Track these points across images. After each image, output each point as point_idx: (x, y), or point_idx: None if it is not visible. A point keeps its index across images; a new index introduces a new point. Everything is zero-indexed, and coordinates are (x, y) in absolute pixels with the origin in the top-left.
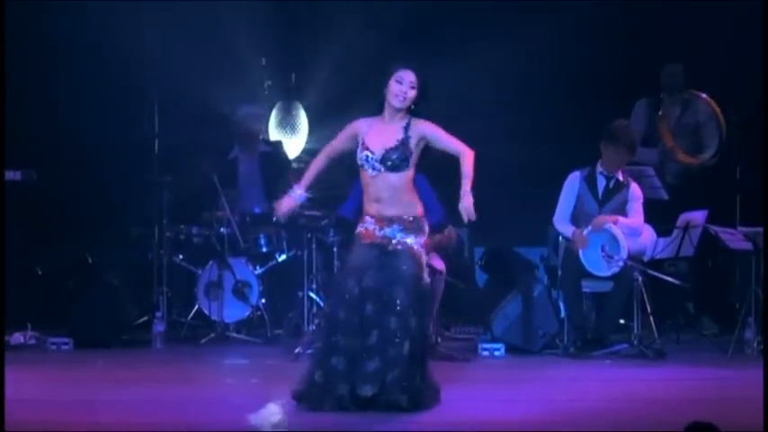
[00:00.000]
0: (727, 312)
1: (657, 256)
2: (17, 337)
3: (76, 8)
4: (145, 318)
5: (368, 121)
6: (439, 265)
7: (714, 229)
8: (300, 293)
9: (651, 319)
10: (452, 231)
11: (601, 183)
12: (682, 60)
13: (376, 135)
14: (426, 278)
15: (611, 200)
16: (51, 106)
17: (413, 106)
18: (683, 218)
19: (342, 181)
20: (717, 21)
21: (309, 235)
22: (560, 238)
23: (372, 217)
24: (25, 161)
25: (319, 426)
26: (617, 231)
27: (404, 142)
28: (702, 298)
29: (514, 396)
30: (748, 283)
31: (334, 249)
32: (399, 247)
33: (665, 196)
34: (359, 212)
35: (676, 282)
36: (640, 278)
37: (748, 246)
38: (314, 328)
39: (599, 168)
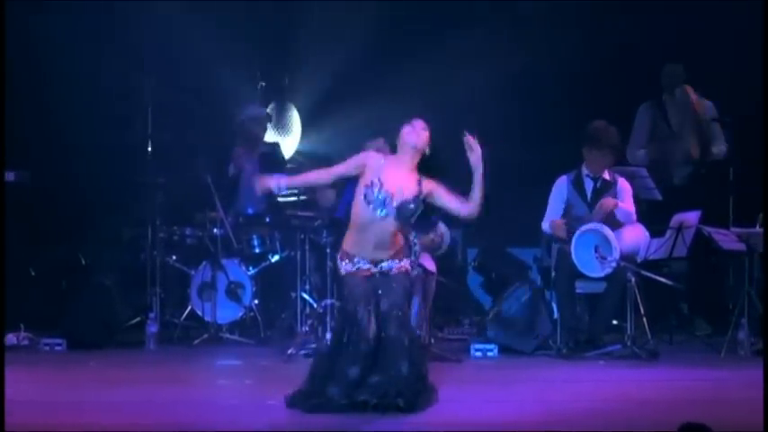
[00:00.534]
0: (721, 313)
1: (651, 257)
2: (10, 338)
3: (69, 9)
4: (138, 319)
5: (380, 157)
6: (430, 265)
7: (707, 229)
8: (293, 294)
9: (644, 319)
10: (443, 231)
11: (588, 185)
12: (680, 60)
13: (392, 177)
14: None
15: (600, 200)
16: (44, 107)
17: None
18: (677, 218)
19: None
20: (718, 20)
21: (302, 236)
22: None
23: (363, 258)
24: (19, 162)
25: (313, 426)
26: (609, 232)
27: (418, 198)
28: (695, 299)
29: (507, 397)
30: (741, 283)
31: (327, 250)
32: (397, 272)
33: (659, 197)
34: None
35: (669, 282)
36: (633, 279)
37: (741, 246)
38: (306, 329)
39: (585, 171)
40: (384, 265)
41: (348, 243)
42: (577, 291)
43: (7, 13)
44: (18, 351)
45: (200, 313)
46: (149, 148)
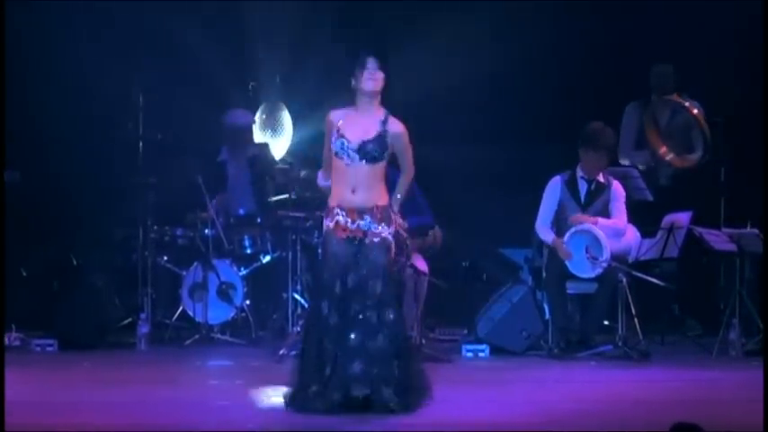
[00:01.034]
0: (712, 314)
1: (642, 258)
2: None
3: (61, 8)
4: (129, 319)
5: (341, 111)
6: (422, 266)
7: (698, 230)
8: (285, 295)
9: (635, 320)
10: (439, 233)
11: (582, 187)
12: (671, 59)
13: (352, 124)
14: (394, 267)
15: (594, 203)
16: (35, 107)
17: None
18: (668, 219)
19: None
20: (707, 20)
21: (294, 236)
22: None
23: (343, 209)
24: (9, 162)
25: (306, 426)
26: (599, 232)
27: (381, 135)
28: (687, 299)
29: (499, 397)
30: (733, 284)
31: (319, 250)
32: (375, 239)
33: (650, 197)
34: None
35: (661, 283)
36: (625, 279)
37: (732, 247)
38: (299, 329)
39: (579, 173)
40: (362, 223)
41: (330, 198)
42: (569, 291)
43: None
44: (9, 351)
45: (191, 314)
46: (140, 149)
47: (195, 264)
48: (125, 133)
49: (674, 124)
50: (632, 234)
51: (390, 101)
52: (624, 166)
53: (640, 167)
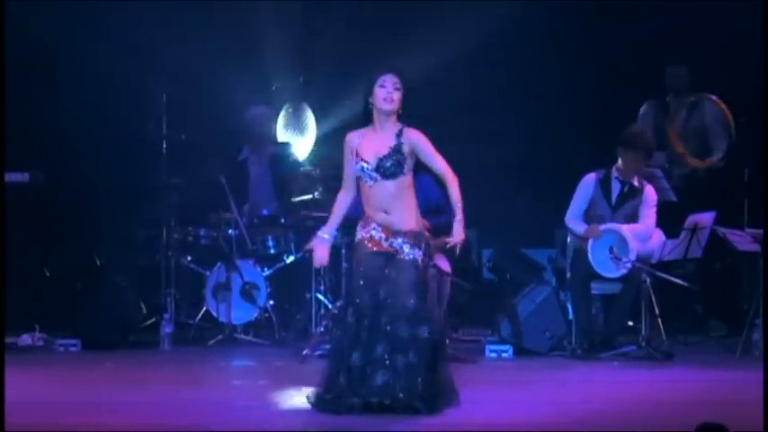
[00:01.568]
0: (735, 314)
1: (665, 258)
2: (25, 339)
3: (85, 9)
4: (152, 319)
5: (358, 133)
6: (445, 266)
7: (722, 230)
8: (308, 295)
9: (659, 320)
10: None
11: (615, 188)
12: (687, 61)
13: (368, 145)
14: (430, 284)
15: (625, 205)
16: (59, 108)
17: (400, 111)
18: (691, 220)
19: None
20: (722, 21)
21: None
22: (568, 240)
23: (380, 225)
24: (33, 163)
25: (330, 426)
26: (626, 233)
27: (396, 149)
28: (710, 300)
29: (522, 398)
30: (756, 284)
31: (342, 251)
32: (407, 258)
33: (674, 198)
34: None
35: (684, 283)
36: (648, 280)
37: (756, 247)
38: (322, 329)
39: (614, 173)
40: (396, 242)
41: (366, 211)
42: (593, 291)
43: (24, 13)
44: (33, 352)
45: (214, 314)
46: (164, 149)
47: (219, 264)
48: (148, 133)
49: (690, 126)
50: (656, 235)
51: (411, 101)
52: (648, 166)
53: (657, 166)
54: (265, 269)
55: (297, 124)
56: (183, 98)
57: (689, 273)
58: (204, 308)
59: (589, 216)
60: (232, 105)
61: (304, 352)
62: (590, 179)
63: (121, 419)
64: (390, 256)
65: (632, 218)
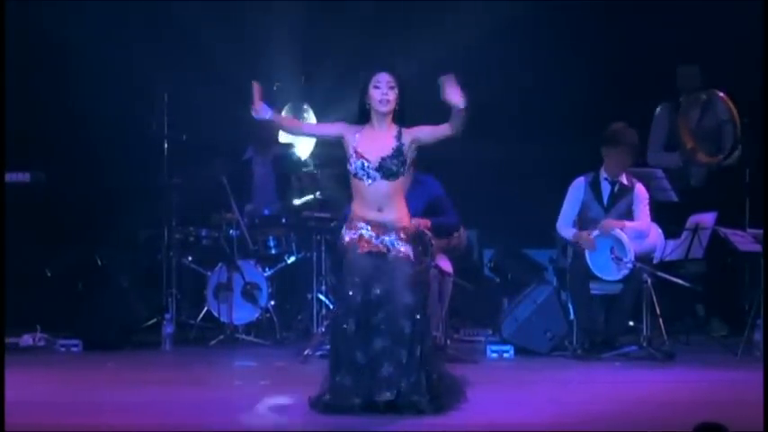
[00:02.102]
0: (737, 314)
1: (667, 258)
2: (26, 339)
3: (87, 9)
4: (154, 320)
5: (354, 129)
6: (447, 266)
7: (723, 230)
8: (309, 295)
9: (660, 320)
10: (464, 234)
11: (606, 188)
12: (695, 61)
13: (368, 143)
14: (432, 284)
15: (617, 205)
16: (60, 108)
17: (397, 108)
18: (693, 220)
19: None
20: (734, 21)
21: (318, 237)
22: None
23: (368, 222)
24: (34, 163)
25: (332, 426)
26: (622, 234)
27: (399, 150)
28: (712, 300)
29: (523, 398)
30: (758, 285)
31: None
32: (399, 255)
33: (675, 198)
34: None
35: (685, 284)
36: (649, 280)
37: (758, 248)
38: (323, 330)
39: (603, 174)
40: (386, 239)
41: (353, 212)
42: (593, 292)
43: (27, 14)
44: (34, 352)
45: (216, 314)
46: (165, 149)
47: (220, 264)
48: (150, 134)
49: (703, 124)
50: (656, 234)
51: (414, 101)
52: (650, 166)
53: (672, 167)
54: (266, 269)
55: None
56: (185, 98)
57: (690, 273)
58: (205, 308)
59: (583, 220)
60: (233, 105)
61: (305, 352)
62: (579, 183)
63: (123, 420)
64: (382, 255)
65: (626, 216)
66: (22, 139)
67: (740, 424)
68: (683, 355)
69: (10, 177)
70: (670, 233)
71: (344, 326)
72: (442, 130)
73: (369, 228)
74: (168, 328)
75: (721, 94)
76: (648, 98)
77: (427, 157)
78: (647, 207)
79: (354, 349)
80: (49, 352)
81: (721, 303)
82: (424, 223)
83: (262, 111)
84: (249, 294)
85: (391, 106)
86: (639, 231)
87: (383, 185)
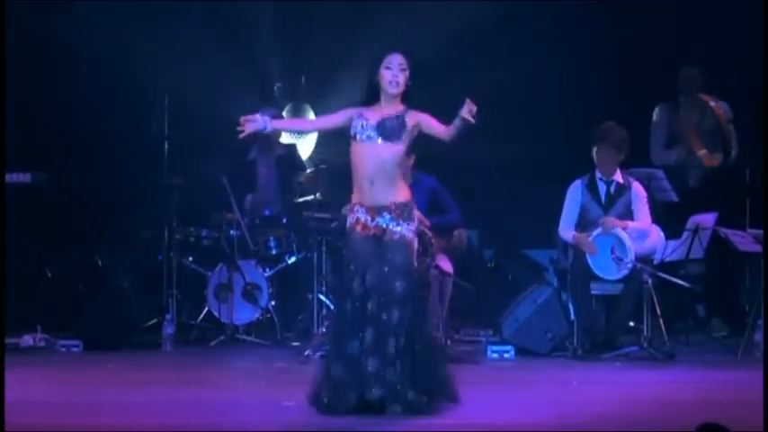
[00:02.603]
0: (737, 315)
1: (667, 259)
2: (27, 340)
3: (88, 9)
4: (154, 320)
5: (362, 109)
6: (447, 267)
7: (724, 231)
8: (310, 296)
9: (661, 321)
10: (464, 234)
11: (602, 188)
12: (696, 62)
13: (373, 111)
14: (415, 264)
15: (615, 204)
16: (61, 108)
17: (406, 90)
18: (693, 220)
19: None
20: (735, 22)
21: (319, 237)
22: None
23: (362, 206)
24: (35, 163)
25: (330, 426)
26: (623, 234)
27: (400, 116)
28: (712, 300)
29: (524, 398)
30: (758, 285)
31: (344, 252)
32: (395, 237)
33: (675, 198)
34: None
35: (686, 284)
36: (650, 280)
37: (758, 248)
38: (323, 330)
39: (598, 175)
40: (381, 220)
41: (353, 195)
42: (594, 292)
43: (27, 16)
44: (35, 352)
45: (216, 315)
46: (166, 149)
47: (220, 264)
48: (150, 134)
49: (703, 125)
50: (656, 235)
51: (416, 100)
52: (650, 166)
53: (672, 165)
54: (267, 270)
55: None
56: (185, 99)
57: (691, 273)
58: (206, 308)
59: (584, 222)
60: (233, 106)
61: (306, 352)
62: (576, 186)
63: (123, 420)
64: (378, 239)
65: (626, 216)
66: (22, 140)
67: (741, 424)
68: (684, 356)
69: (11, 178)
70: (670, 233)
71: (343, 313)
72: (439, 131)
73: (364, 210)
74: (169, 329)
75: (712, 103)
76: (650, 99)
77: (428, 157)
78: (647, 206)
79: (349, 339)
80: (49, 352)
81: (722, 304)
82: (425, 222)
83: (258, 125)
84: (250, 295)
85: (401, 88)
86: (641, 231)
87: (380, 149)
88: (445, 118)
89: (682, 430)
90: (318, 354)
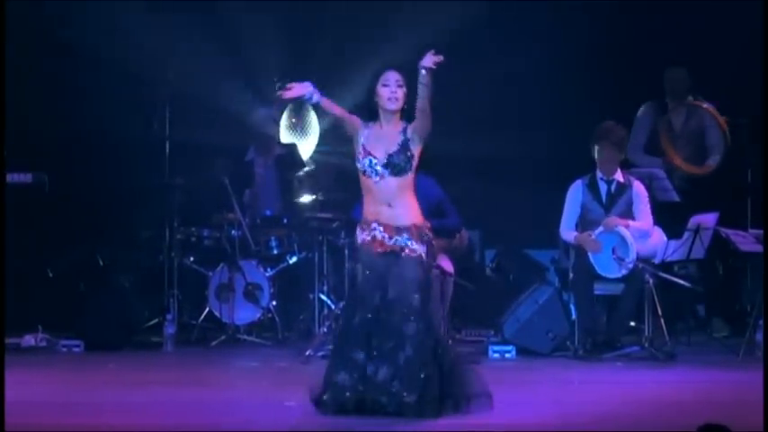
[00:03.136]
0: (738, 315)
1: (668, 259)
2: (28, 340)
3: (89, 9)
4: (156, 320)
5: (367, 126)
6: (448, 267)
7: (725, 231)
8: (311, 296)
9: (662, 321)
10: (465, 235)
11: (603, 188)
12: (689, 62)
13: (376, 141)
14: (434, 284)
15: (616, 204)
16: (62, 108)
17: (405, 106)
18: (695, 220)
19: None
20: (723, 22)
21: (320, 237)
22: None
23: (381, 224)
24: (36, 163)
25: (333, 427)
26: (626, 233)
27: (405, 145)
28: (713, 300)
29: (525, 398)
30: (759, 285)
31: (346, 252)
32: (414, 255)
33: (677, 198)
34: None
35: (687, 284)
36: (651, 280)
37: (759, 248)
38: (325, 330)
39: (598, 174)
40: (399, 239)
41: (365, 211)
42: (595, 292)
43: (29, 15)
44: (36, 352)
45: (217, 315)
46: (167, 150)
47: (221, 264)
48: (152, 134)
49: (687, 129)
50: (658, 235)
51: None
52: (650, 167)
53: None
54: (268, 270)
55: (300, 125)
56: (187, 99)
57: (692, 273)
58: (207, 308)
59: (585, 222)
60: (236, 106)
61: (307, 352)
62: (576, 186)
63: (124, 420)
64: (396, 255)
65: (627, 215)
66: (24, 140)
67: (742, 424)
68: (685, 356)
69: (12, 178)
70: (672, 234)
71: (354, 323)
72: (420, 119)
73: (381, 229)
74: (170, 329)
75: (706, 106)
76: (642, 99)
77: (429, 156)
78: (648, 206)
79: (358, 348)
80: (50, 352)
81: (723, 304)
82: (426, 224)
83: (305, 92)
84: (251, 295)
85: (400, 104)
86: (642, 231)
87: (392, 182)
88: (443, 119)
89: (683, 430)
90: (320, 354)
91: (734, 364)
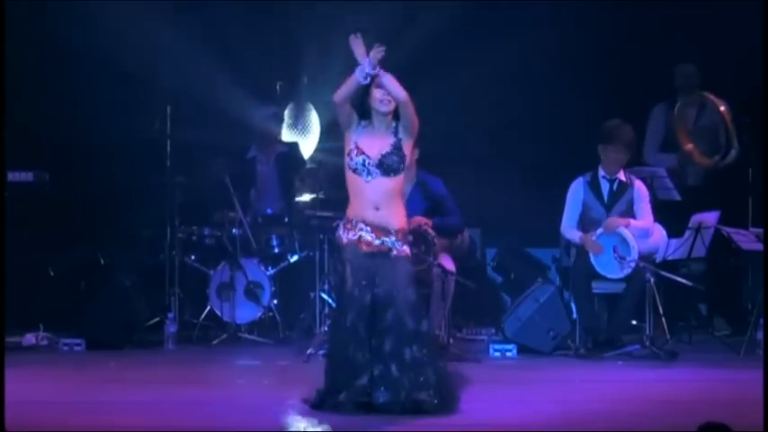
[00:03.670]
0: (740, 313)
1: (669, 257)
2: (29, 338)
3: (90, 8)
4: (157, 319)
5: (360, 124)
6: (449, 265)
7: (726, 230)
8: (312, 294)
9: (663, 320)
10: (466, 235)
11: (605, 186)
12: (695, 60)
13: (369, 139)
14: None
15: (618, 202)
16: (64, 107)
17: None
18: (696, 219)
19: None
20: (729, 20)
21: (321, 236)
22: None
23: (367, 224)
24: (37, 162)
25: (334, 426)
26: (627, 233)
27: (397, 145)
28: (714, 299)
29: (526, 397)
30: (760, 284)
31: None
32: (402, 254)
33: (678, 197)
34: None
35: (688, 283)
36: (652, 279)
37: (760, 246)
38: (326, 329)
39: (600, 172)
40: (387, 240)
41: (350, 211)
42: (596, 291)
43: (29, 14)
44: (37, 351)
45: (218, 313)
46: (168, 148)
47: (223, 263)
48: (153, 132)
49: (700, 124)
50: (659, 234)
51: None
52: (651, 166)
53: (669, 167)
54: (269, 268)
55: (301, 124)
56: (188, 97)
57: (693, 272)
58: (208, 307)
59: (586, 220)
60: (237, 104)
61: (308, 351)
62: (578, 184)
63: (126, 419)
64: (384, 255)
65: (628, 214)
66: (25, 139)
67: (743, 423)
68: (686, 355)
69: (13, 177)
70: (673, 232)
71: (346, 325)
72: (399, 106)
73: (369, 229)
74: (171, 328)
75: (711, 97)
76: (651, 98)
77: (429, 156)
78: (649, 205)
79: (356, 349)
80: (51, 351)
81: (724, 302)
82: (427, 222)
83: (368, 66)
84: (252, 293)
85: (392, 106)
86: (644, 230)
87: (382, 183)
88: (444, 117)
89: (684, 429)
90: (321, 352)
91: (735, 362)
